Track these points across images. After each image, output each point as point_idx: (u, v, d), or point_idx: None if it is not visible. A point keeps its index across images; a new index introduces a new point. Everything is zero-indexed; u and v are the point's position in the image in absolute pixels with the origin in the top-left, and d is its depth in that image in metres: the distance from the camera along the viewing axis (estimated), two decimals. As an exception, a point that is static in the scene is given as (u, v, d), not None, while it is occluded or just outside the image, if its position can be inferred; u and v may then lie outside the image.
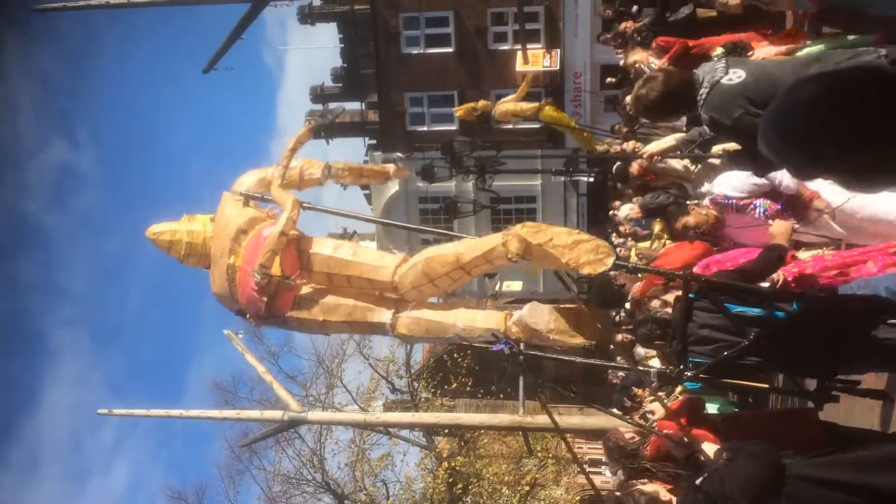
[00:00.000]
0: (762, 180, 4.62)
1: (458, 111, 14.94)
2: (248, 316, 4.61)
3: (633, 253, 8.50)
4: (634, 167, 7.08)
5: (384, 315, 4.23)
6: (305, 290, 4.45)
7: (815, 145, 1.66)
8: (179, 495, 25.65)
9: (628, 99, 10.78)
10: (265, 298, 4.36)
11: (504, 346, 3.76)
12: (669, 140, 5.14)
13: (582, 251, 3.54)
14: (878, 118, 1.57)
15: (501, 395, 19.28)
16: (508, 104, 13.17)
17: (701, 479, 3.29)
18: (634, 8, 10.21)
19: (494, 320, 3.91)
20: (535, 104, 13.33)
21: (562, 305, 3.88)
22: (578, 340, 3.73)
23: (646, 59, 7.23)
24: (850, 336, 3.76)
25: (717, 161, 5.18)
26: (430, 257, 4.03)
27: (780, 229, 4.71)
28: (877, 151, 1.60)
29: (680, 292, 4.17)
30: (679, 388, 8.15)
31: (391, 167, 5.20)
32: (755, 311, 3.94)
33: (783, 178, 4.54)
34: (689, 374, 4.02)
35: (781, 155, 1.74)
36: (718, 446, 3.81)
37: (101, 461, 52.73)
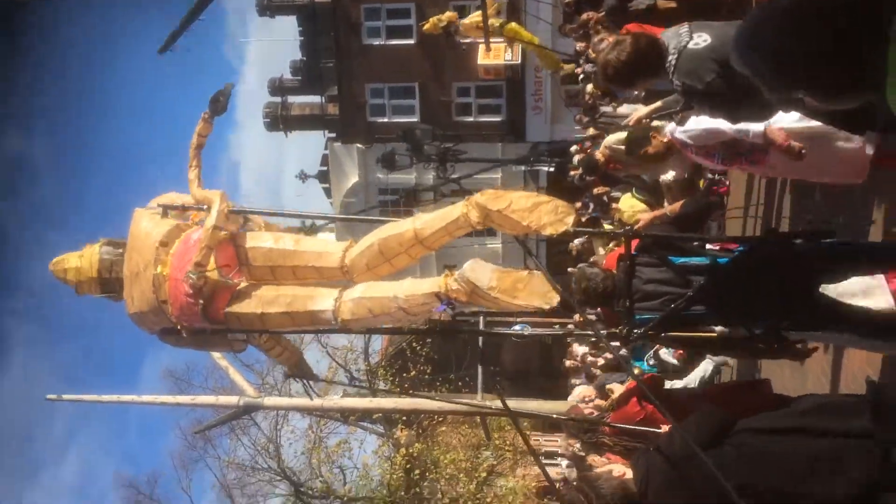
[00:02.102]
0: (715, 126, 4.60)
1: (425, 25, 15.12)
2: (179, 331, 4.26)
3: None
4: (598, 155, 7.18)
5: (326, 301, 3.96)
6: (243, 284, 4.21)
7: (788, 60, 1.72)
8: (132, 483, 25.28)
9: (589, 88, 11.00)
10: (201, 302, 4.05)
11: (446, 307, 3.69)
12: (657, 103, 5.17)
13: (542, 212, 3.52)
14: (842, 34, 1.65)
15: (461, 384, 19.40)
16: (475, 17, 13.40)
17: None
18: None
19: (436, 284, 3.75)
20: (501, 20, 13.58)
21: (506, 269, 3.81)
22: (521, 302, 3.66)
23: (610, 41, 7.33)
24: (796, 280, 3.75)
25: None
26: (384, 237, 3.90)
27: None
28: (843, 67, 1.67)
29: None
30: (636, 371, 8.36)
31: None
32: (698, 260, 3.96)
33: (751, 128, 4.50)
34: (637, 331, 4.03)
35: (758, 71, 1.80)
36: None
37: (52, 451, 51.56)
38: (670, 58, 3.63)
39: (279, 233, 4.34)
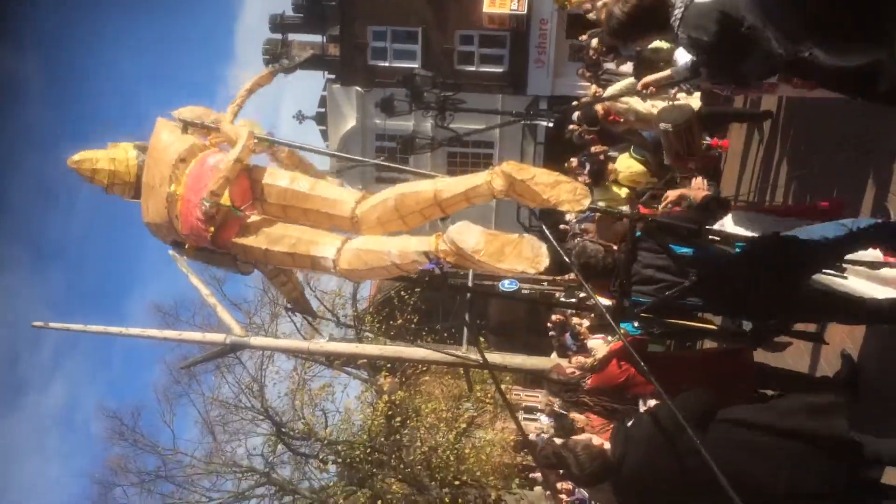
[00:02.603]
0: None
1: None
2: (186, 247, 4.44)
3: None
4: (599, 109, 7.11)
5: (329, 249, 4.04)
6: (253, 217, 4.29)
7: (801, 4, 1.69)
8: (115, 415, 25.51)
9: (594, 43, 10.81)
10: (212, 229, 4.18)
11: (434, 266, 3.76)
12: (665, 72, 5.13)
13: (562, 191, 3.62)
14: None
15: (446, 335, 19.53)
16: None
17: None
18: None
19: (427, 242, 3.77)
20: None
21: (495, 231, 3.87)
22: (505, 266, 3.72)
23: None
24: (789, 280, 3.88)
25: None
26: (403, 193, 3.91)
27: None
28: (855, 18, 1.64)
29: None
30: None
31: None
32: (698, 252, 4.00)
33: None
34: (628, 309, 4.10)
35: (769, 16, 1.76)
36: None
37: (38, 378, 51.95)
38: (677, 11, 3.59)
39: (295, 172, 4.33)
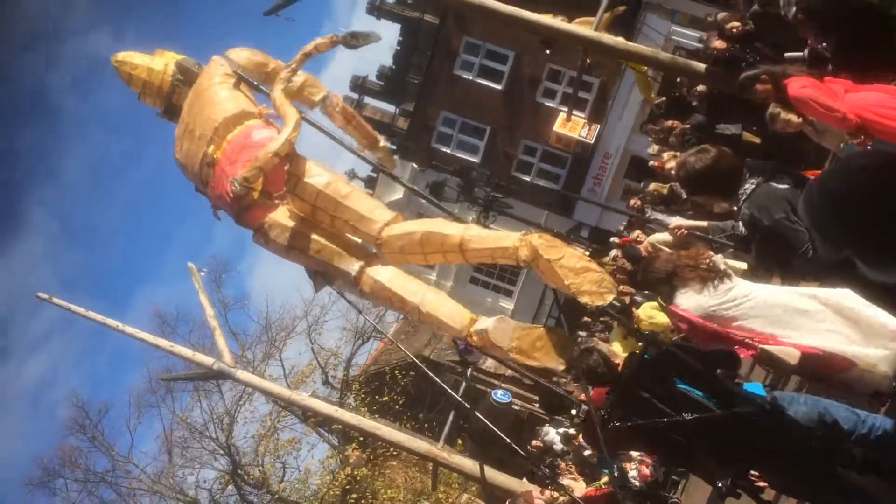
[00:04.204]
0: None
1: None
2: (210, 200, 4.42)
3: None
4: (642, 249, 7.14)
5: (352, 265, 4.05)
6: (282, 210, 4.23)
7: (847, 214, 1.75)
8: (83, 406, 25.17)
9: (652, 186, 10.94)
10: (236, 208, 4.18)
11: (462, 349, 3.79)
12: (703, 222, 5.17)
13: (586, 280, 3.52)
14: None
15: (426, 426, 19.16)
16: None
17: None
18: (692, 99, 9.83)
19: (460, 320, 3.78)
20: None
21: (528, 325, 3.82)
22: (535, 363, 3.68)
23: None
24: (779, 454, 3.72)
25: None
26: (431, 231, 3.88)
27: None
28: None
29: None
30: (604, 479, 8.18)
31: (382, 139, 4.92)
32: (698, 395, 3.89)
33: None
34: (616, 423, 3.98)
35: (817, 219, 1.82)
36: None
37: (22, 348, 51.59)
38: (747, 185, 3.66)
39: (333, 175, 4.22)
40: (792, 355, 3.52)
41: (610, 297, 3.54)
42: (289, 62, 4.43)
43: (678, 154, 8.57)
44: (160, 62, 4.63)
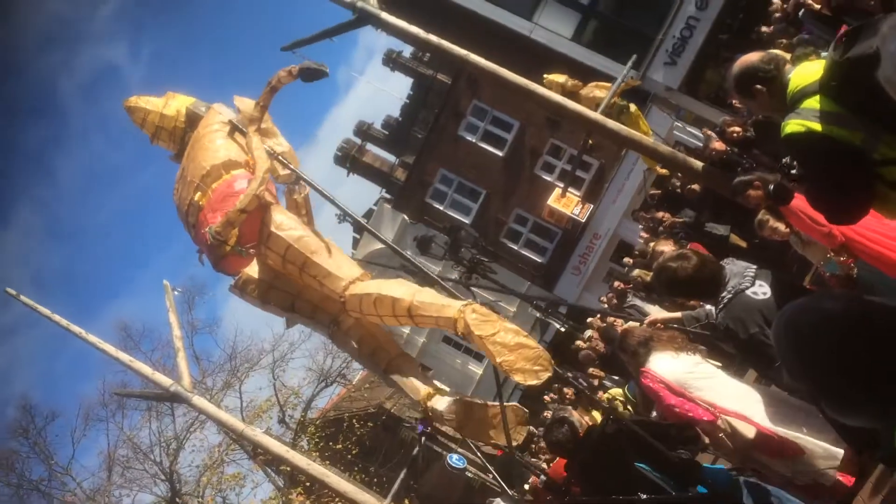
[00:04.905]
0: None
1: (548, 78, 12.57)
2: (195, 243, 4.58)
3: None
4: (620, 331, 7.11)
5: (326, 320, 4.28)
6: (254, 263, 4.36)
7: (813, 359, 1.75)
8: (30, 410, 24.52)
9: (636, 272, 11.01)
10: (212, 257, 4.34)
11: (422, 429, 3.80)
12: (676, 313, 5.22)
13: (520, 357, 3.41)
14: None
15: (375, 480, 18.76)
16: (599, 92, 11.87)
17: None
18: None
19: (421, 392, 3.85)
20: (626, 102, 12.26)
21: (483, 402, 3.82)
22: (468, 435, 3.78)
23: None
24: None
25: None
26: (384, 294, 3.93)
27: None
28: (858, 391, 1.70)
29: None
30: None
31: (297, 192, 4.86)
32: (656, 476, 3.79)
33: None
34: (570, 499, 4.03)
35: (783, 353, 1.84)
36: None
37: (-17, 343, 50.26)
38: (724, 293, 3.67)
39: (304, 230, 4.25)
40: (749, 430, 3.68)
41: (544, 376, 3.42)
42: (257, 99, 4.56)
43: (671, 240, 8.64)
44: (172, 107, 4.81)
